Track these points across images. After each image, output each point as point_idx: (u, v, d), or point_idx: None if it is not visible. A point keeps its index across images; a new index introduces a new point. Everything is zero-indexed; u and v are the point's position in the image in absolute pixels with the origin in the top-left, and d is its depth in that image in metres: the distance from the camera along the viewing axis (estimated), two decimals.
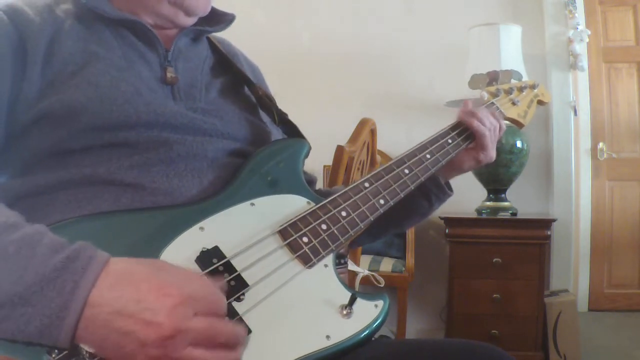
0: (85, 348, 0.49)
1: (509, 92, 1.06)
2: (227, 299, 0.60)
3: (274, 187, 0.74)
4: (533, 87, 1.11)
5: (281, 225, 0.69)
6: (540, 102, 1.13)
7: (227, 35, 0.92)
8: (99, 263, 0.51)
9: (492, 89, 1.05)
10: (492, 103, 1.02)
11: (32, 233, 0.52)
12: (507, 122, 1.05)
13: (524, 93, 1.09)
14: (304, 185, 0.77)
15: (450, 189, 0.99)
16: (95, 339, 0.49)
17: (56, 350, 0.49)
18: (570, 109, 2.95)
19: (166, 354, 0.49)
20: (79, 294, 0.48)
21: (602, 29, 3.13)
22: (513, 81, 1.10)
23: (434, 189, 0.96)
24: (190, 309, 0.50)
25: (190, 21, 0.83)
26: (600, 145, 3.09)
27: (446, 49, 3.02)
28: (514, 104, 1.05)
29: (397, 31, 3.09)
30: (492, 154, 0.95)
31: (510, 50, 2.60)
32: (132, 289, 0.50)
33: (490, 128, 0.94)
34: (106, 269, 0.51)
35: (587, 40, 2.95)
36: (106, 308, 0.48)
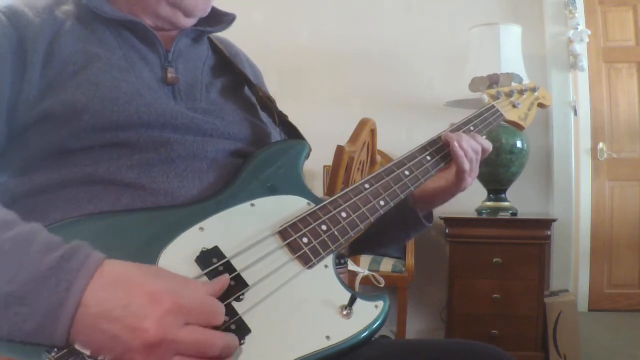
0: (79, 348, 0.49)
1: (509, 94, 1.06)
2: (227, 299, 0.60)
3: (274, 187, 0.74)
4: (534, 89, 1.11)
5: (281, 226, 0.69)
6: (540, 105, 1.13)
7: (226, 34, 0.92)
8: (94, 263, 0.50)
9: (493, 91, 1.05)
10: (493, 105, 1.02)
11: (27, 231, 0.52)
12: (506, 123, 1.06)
13: (524, 96, 1.09)
14: (304, 186, 0.77)
15: (430, 220, 0.96)
16: (86, 339, 0.49)
17: (55, 349, 0.49)
18: (570, 109, 2.96)
19: None
20: (73, 292, 0.48)
21: (602, 29, 3.14)
22: (514, 84, 1.10)
23: (413, 222, 0.94)
24: (181, 318, 0.50)
25: (189, 22, 0.83)
26: (600, 145, 3.09)
27: (446, 49, 3.02)
28: (514, 106, 1.05)
29: (397, 31, 3.09)
30: (468, 185, 0.90)
31: (510, 51, 2.60)
32: (122, 292, 0.49)
33: (472, 159, 0.88)
34: (101, 269, 0.50)
35: (587, 40, 2.95)
36: (94, 309, 0.48)
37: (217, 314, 0.54)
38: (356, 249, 1.01)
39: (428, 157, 0.88)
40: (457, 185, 0.90)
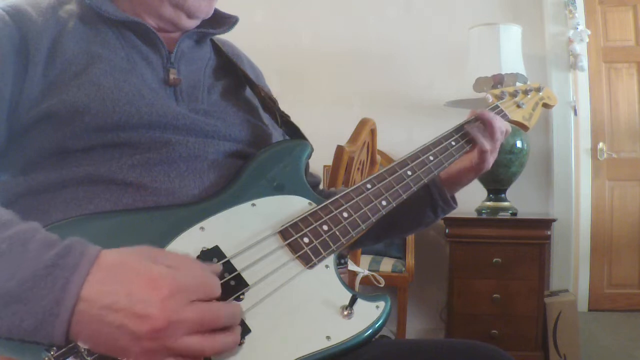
0: (81, 344, 0.49)
1: (513, 94, 1.06)
2: (227, 299, 0.60)
3: (275, 187, 0.74)
4: (538, 90, 1.11)
5: (282, 226, 0.69)
6: (545, 105, 1.12)
7: (228, 36, 0.92)
8: (89, 258, 0.51)
9: (497, 91, 1.05)
10: (497, 105, 1.01)
11: (25, 230, 0.52)
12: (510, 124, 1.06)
13: (529, 96, 1.08)
14: (306, 186, 0.77)
15: (455, 202, 1.00)
16: (89, 334, 0.49)
17: (55, 348, 0.49)
18: (570, 109, 2.96)
19: (161, 345, 0.49)
20: (70, 290, 0.48)
21: (602, 29, 3.13)
22: (518, 84, 1.10)
23: (442, 202, 0.98)
24: (182, 299, 0.51)
25: (192, 24, 0.83)
26: (600, 145, 3.09)
27: (446, 49, 3.02)
28: (518, 106, 1.05)
29: (397, 31, 3.09)
30: (489, 165, 0.96)
31: (510, 51, 2.60)
32: (123, 283, 0.50)
33: (499, 138, 0.94)
34: (97, 263, 0.51)
35: (587, 40, 2.95)
36: (98, 303, 0.48)
37: (214, 286, 0.55)
38: (376, 235, 1.00)
39: (431, 157, 0.88)
40: (480, 165, 0.95)
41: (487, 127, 0.94)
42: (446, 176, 0.97)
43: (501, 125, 0.95)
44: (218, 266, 0.60)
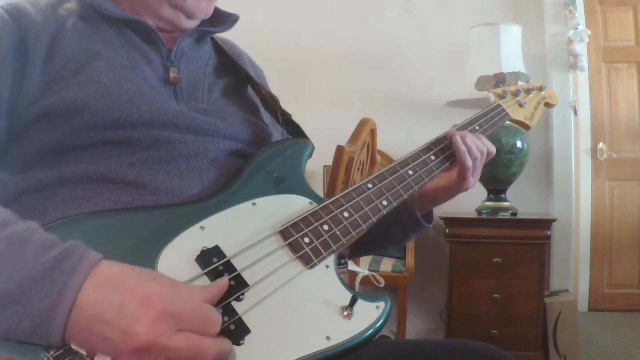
0: (75, 348, 0.49)
1: (515, 93, 1.06)
2: (227, 299, 0.60)
3: (276, 186, 0.74)
4: (540, 89, 1.11)
5: (282, 225, 0.69)
6: (547, 105, 1.12)
7: (228, 35, 0.92)
8: (89, 263, 0.50)
9: (499, 90, 1.05)
10: (499, 104, 1.01)
11: (23, 230, 0.52)
12: (512, 122, 1.05)
13: (530, 95, 1.08)
14: (307, 185, 0.77)
15: (429, 221, 0.96)
16: (80, 340, 0.48)
17: (53, 349, 0.49)
18: (570, 109, 2.96)
19: None
20: (67, 294, 0.48)
21: (602, 29, 3.13)
22: (520, 83, 1.09)
23: (410, 222, 0.94)
24: (173, 323, 0.49)
25: (192, 24, 0.83)
26: (600, 145, 3.09)
27: (446, 49, 3.02)
28: (520, 105, 1.05)
29: (397, 31, 3.09)
30: (470, 185, 0.90)
31: (510, 51, 2.60)
32: (116, 295, 0.49)
33: (476, 157, 0.88)
34: (95, 270, 0.50)
35: (587, 40, 2.95)
36: (88, 311, 0.48)
37: (211, 322, 0.53)
38: (355, 251, 1.00)
39: (432, 157, 0.87)
40: (459, 184, 0.90)
41: (454, 147, 0.88)
42: (420, 193, 0.92)
43: (474, 144, 0.88)
44: (223, 283, 0.58)
